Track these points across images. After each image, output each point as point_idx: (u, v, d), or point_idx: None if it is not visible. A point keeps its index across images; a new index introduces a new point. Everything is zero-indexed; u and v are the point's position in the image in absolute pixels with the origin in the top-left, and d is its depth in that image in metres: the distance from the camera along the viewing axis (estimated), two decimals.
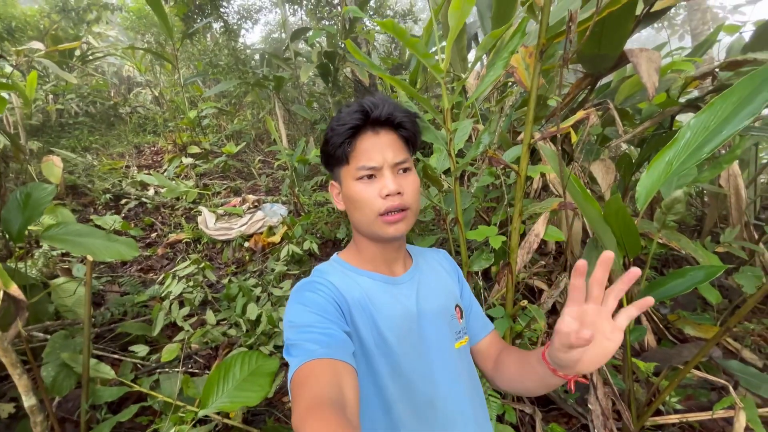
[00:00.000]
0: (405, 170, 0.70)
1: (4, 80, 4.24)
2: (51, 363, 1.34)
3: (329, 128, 0.70)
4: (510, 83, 2.47)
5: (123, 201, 3.65)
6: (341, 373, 0.53)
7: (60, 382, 1.31)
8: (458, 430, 0.69)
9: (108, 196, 3.62)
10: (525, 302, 1.26)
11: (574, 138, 1.36)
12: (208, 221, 3.15)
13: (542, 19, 1.07)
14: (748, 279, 1.88)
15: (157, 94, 7.38)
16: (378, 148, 0.68)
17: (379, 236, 0.70)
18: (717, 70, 1.81)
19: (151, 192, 3.95)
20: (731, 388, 1.17)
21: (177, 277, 2.15)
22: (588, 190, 0.99)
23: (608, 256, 0.49)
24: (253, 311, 2.02)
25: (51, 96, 5.82)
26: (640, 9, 1.63)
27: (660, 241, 1.68)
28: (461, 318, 0.79)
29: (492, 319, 1.44)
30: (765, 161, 3.06)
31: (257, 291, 2.30)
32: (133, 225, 3.28)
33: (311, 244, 2.59)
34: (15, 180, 3.53)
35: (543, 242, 2.50)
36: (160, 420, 1.46)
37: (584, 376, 0.65)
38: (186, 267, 2.23)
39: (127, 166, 4.75)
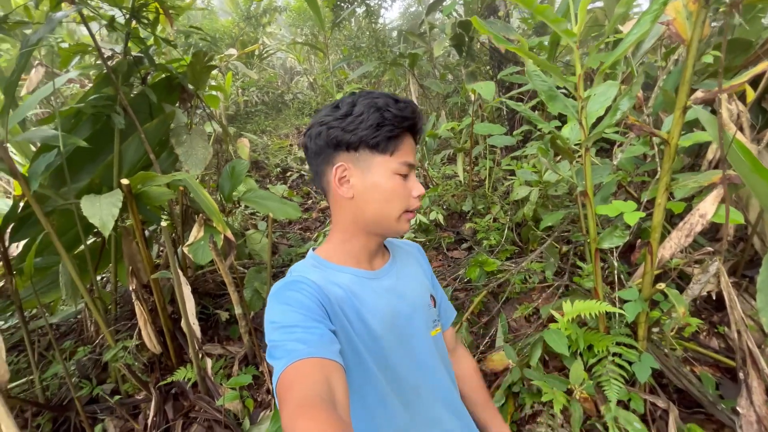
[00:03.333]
0: None
1: (212, 82, 5.58)
2: (248, 288, 1.88)
3: (377, 114, 0.65)
4: None
5: (288, 173, 4.49)
6: (330, 371, 0.52)
7: (254, 301, 1.84)
8: (441, 412, 0.73)
9: (278, 169, 4.51)
10: (662, 285, 1.13)
11: (749, 96, 1.09)
12: None
13: None
14: None
15: (311, 81, 8.51)
16: (415, 151, 0.71)
17: (396, 231, 0.71)
18: None
19: (307, 166, 4.73)
20: None
21: (326, 236, 2.61)
22: (757, 159, 0.82)
23: None
24: None
25: (240, 90, 7.40)
26: None
27: None
28: (435, 307, 0.81)
29: (623, 301, 1.34)
30: None
31: None
32: (295, 193, 4.03)
33: (437, 214, 2.74)
34: (220, 158, 4.73)
35: (715, 225, 2.05)
36: None
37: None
38: None
39: (291, 145, 5.75)
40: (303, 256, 2.93)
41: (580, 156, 1.40)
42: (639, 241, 1.25)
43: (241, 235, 2.48)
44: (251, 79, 6.98)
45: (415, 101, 5.37)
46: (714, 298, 1.75)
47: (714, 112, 1.67)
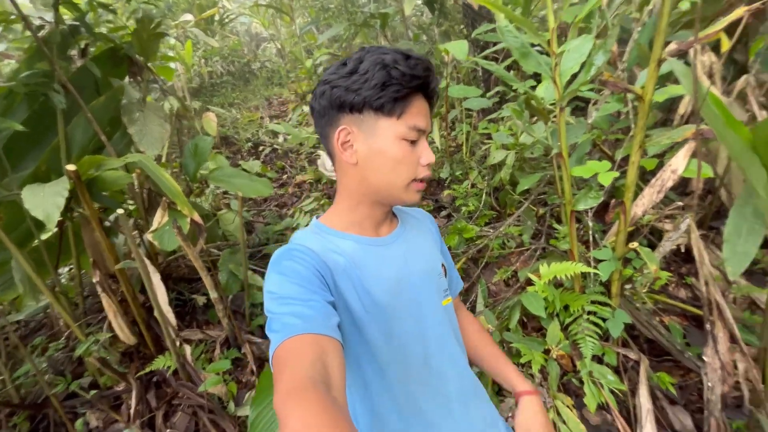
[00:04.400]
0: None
1: (170, 52, 5.19)
2: (223, 270, 1.82)
3: (383, 72, 0.59)
4: None
5: (260, 148, 4.31)
6: (325, 349, 0.51)
7: (230, 284, 1.79)
8: (451, 384, 0.70)
9: (249, 144, 4.32)
10: (635, 244, 1.14)
11: (724, 45, 1.06)
12: (326, 163, 3.52)
13: None
14: None
15: (279, 47, 8.03)
16: (427, 114, 0.65)
17: (403, 201, 0.67)
18: None
19: (280, 139, 4.55)
20: None
21: (303, 212, 2.54)
22: (731, 113, 0.80)
23: None
24: None
25: (202, 60, 6.92)
26: None
27: None
28: (446, 276, 0.79)
29: (598, 261, 1.36)
30: None
31: None
32: (269, 168, 3.89)
33: None
34: (187, 134, 4.48)
35: (684, 179, 2.09)
36: None
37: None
38: (310, 203, 2.61)
39: (261, 117, 5.49)
40: (281, 234, 2.83)
41: (555, 116, 1.35)
42: (613, 200, 1.25)
43: (213, 215, 2.38)
44: (214, 47, 6.52)
45: None
46: (683, 250, 1.81)
47: (688, 64, 1.65)
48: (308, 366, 0.47)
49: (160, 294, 1.53)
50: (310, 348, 0.49)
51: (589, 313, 1.34)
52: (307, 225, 2.60)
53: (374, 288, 0.64)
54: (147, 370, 1.59)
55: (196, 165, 2.03)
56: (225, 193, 3.35)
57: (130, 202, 2.15)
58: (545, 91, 1.59)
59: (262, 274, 2.22)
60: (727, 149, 0.88)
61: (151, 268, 1.54)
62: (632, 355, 1.33)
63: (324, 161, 3.58)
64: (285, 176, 3.79)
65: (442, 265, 0.78)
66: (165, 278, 1.73)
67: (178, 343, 1.59)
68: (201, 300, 1.94)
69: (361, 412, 0.66)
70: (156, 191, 1.92)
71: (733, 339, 0.99)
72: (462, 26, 4.65)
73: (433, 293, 0.72)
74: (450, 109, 3.13)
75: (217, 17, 7.16)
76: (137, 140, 1.70)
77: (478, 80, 3.98)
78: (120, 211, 1.40)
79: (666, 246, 1.10)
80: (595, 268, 1.31)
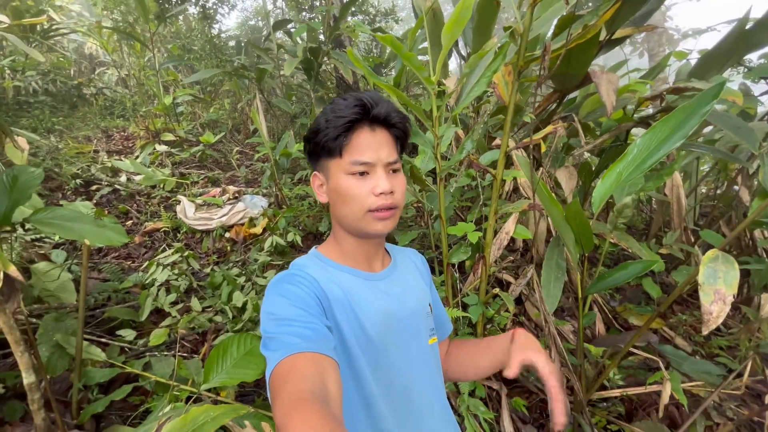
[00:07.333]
0: (395, 171, 0.71)
1: None
2: (45, 344, 1.37)
3: (322, 119, 0.67)
4: (488, 92, 2.66)
5: (94, 187, 3.54)
6: (324, 367, 0.52)
7: (54, 362, 1.35)
8: (432, 419, 0.73)
9: (78, 181, 3.50)
10: (497, 290, 1.43)
11: (543, 147, 1.55)
12: (187, 211, 3.14)
13: (521, 44, 1.23)
14: (684, 276, 2.17)
15: (124, 76, 7.05)
16: (374, 146, 0.68)
17: (366, 232, 0.70)
18: (664, 93, 2.07)
19: (123, 179, 3.84)
20: (662, 365, 1.40)
21: (161, 265, 2.17)
22: (553, 194, 1.17)
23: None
24: (238, 299, 2.09)
25: (8, 72, 5.45)
26: (603, 35, 1.85)
27: (612, 240, 1.92)
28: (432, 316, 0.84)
29: (466, 305, 1.62)
30: (705, 174, 3.46)
31: (241, 280, 2.36)
32: (106, 212, 3.20)
33: (294, 236, 2.67)
34: None
35: (512, 239, 2.72)
36: (152, 399, 1.52)
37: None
38: (170, 255, 2.25)
39: (96, 151, 4.56)
40: (127, 292, 2.35)
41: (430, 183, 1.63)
42: (477, 254, 1.55)
43: (24, 270, 1.80)
44: (31, 59, 5.27)
45: (262, 118, 5.15)
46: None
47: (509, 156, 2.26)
48: (308, 381, 0.49)
49: None
50: (310, 365, 0.52)
51: None
52: (165, 280, 2.21)
53: (366, 321, 0.67)
54: None
55: (11, 204, 1.55)
56: (36, 240, 2.58)
57: None
58: (422, 162, 1.90)
59: (101, 344, 1.76)
60: (551, 219, 1.25)
61: None
62: (494, 386, 1.58)
63: (185, 208, 3.18)
64: (130, 222, 3.17)
65: (429, 305, 0.81)
66: None
67: None
68: None
69: None
70: None
71: (562, 361, 1.32)
72: (334, 95, 5.11)
73: (421, 331, 0.76)
74: None
75: (39, 27, 5.89)
76: None
77: None
78: None
79: (517, 290, 1.42)
80: (466, 312, 1.55)
